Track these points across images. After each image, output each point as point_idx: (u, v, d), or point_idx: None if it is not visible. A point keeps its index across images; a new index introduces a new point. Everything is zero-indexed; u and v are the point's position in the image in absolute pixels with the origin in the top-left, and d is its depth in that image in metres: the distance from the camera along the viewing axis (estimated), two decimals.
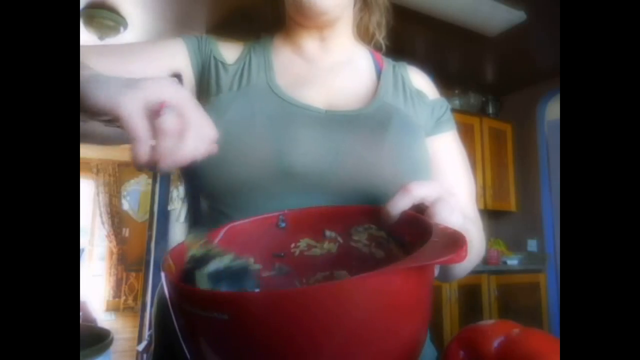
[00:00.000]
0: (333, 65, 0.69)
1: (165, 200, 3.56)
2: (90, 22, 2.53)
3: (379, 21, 0.76)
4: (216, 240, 0.45)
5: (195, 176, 0.57)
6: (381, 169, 0.55)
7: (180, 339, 0.33)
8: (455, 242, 0.31)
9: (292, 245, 0.48)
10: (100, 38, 2.61)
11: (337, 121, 0.60)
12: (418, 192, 0.43)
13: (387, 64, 0.72)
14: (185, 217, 0.64)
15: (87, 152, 5.83)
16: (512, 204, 3.75)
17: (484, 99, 3.93)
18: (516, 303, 3.27)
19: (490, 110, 3.93)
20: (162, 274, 0.34)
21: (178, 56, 0.65)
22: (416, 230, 0.38)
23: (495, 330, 0.30)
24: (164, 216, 3.55)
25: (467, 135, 3.52)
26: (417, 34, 2.89)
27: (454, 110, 3.69)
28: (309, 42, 0.69)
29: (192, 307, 0.29)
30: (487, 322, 0.32)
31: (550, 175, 3.67)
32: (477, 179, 3.56)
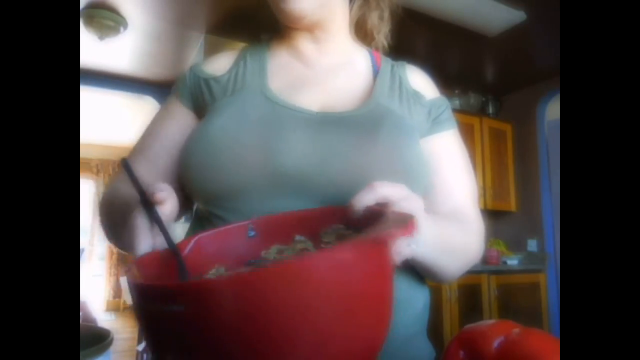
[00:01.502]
0: (330, 66, 0.69)
1: None
2: (90, 22, 2.53)
3: (378, 19, 0.76)
4: (186, 251, 0.45)
5: (189, 181, 0.58)
6: (371, 170, 0.55)
7: (145, 340, 0.33)
8: (404, 220, 0.32)
9: (263, 252, 0.48)
10: (100, 38, 2.61)
11: (328, 123, 0.59)
12: (382, 190, 0.44)
13: (386, 64, 0.72)
14: (185, 218, 0.65)
15: (87, 152, 5.83)
16: (512, 204, 3.75)
17: (484, 99, 3.93)
18: (516, 303, 3.27)
19: (490, 110, 3.93)
20: (126, 279, 0.33)
21: (179, 118, 0.69)
22: (376, 222, 0.38)
23: (495, 331, 0.30)
24: None
25: (467, 135, 3.52)
26: (417, 34, 2.88)
27: (454, 110, 3.69)
28: (304, 44, 0.69)
29: (149, 304, 0.29)
30: (487, 322, 0.32)
31: (550, 175, 3.67)
32: (477, 179, 3.56)
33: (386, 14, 0.77)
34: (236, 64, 0.69)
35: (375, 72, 0.70)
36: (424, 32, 2.84)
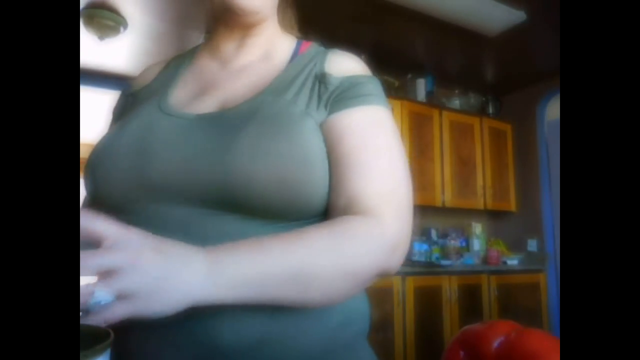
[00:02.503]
0: (244, 66, 0.66)
1: None
2: (90, 22, 2.53)
3: (284, 6, 0.73)
4: None
5: (88, 197, 0.61)
6: (234, 169, 0.51)
7: None
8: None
9: None
10: (100, 38, 2.61)
11: (201, 125, 0.57)
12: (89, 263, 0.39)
13: (308, 52, 0.66)
14: None
15: (87, 152, 5.81)
16: (512, 204, 3.75)
17: (484, 99, 3.93)
18: (516, 303, 3.27)
19: (490, 110, 3.93)
20: None
21: None
22: None
23: (495, 331, 0.29)
24: None
25: (467, 135, 3.52)
26: (417, 34, 2.89)
27: (454, 110, 3.66)
28: (227, 44, 0.67)
29: None
30: (487, 323, 0.32)
31: (550, 175, 3.67)
32: (477, 179, 3.56)
33: (294, 9, 0.75)
34: (158, 75, 0.70)
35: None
36: (424, 32, 2.84)
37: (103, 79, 3.44)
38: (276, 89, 0.60)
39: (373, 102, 0.60)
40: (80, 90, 2.77)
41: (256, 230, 0.52)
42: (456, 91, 3.77)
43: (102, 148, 0.60)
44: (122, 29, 2.63)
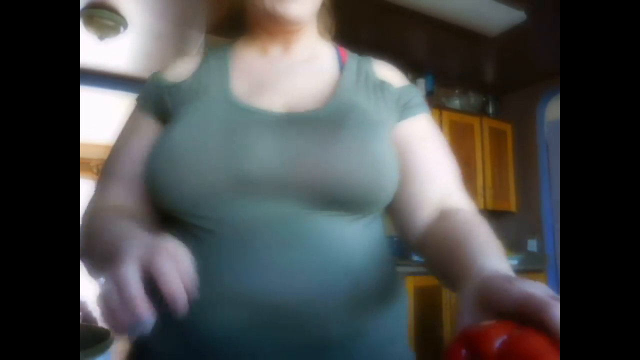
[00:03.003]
0: (294, 65, 0.68)
1: None
2: (90, 22, 2.53)
3: (326, 14, 0.75)
4: None
5: (153, 192, 0.58)
6: (337, 169, 0.54)
7: None
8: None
9: None
10: (100, 38, 2.61)
11: (292, 123, 0.59)
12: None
13: (351, 58, 0.71)
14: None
15: (87, 152, 5.82)
16: (512, 204, 3.75)
17: (484, 99, 3.93)
18: None
19: (490, 110, 3.92)
20: None
21: (145, 132, 0.67)
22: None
23: (498, 330, 0.29)
24: None
25: (467, 135, 3.52)
26: (417, 34, 2.88)
27: (454, 110, 3.67)
28: (273, 46, 0.69)
29: None
30: (490, 322, 0.32)
31: (550, 175, 3.67)
32: (477, 179, 3.56)
33: (332, 14, 0.77)
34: (199, 69, 0.68)
35: (341, 67, 0.69)
36: (424, 32, 2.84)
37: (103, 79, 3.44)
38: (345, 94, 0.64)
39: (426, 110, 0.70)
40: (80, 90, 2.77)
41: (343, 225, 0.57)
42: (456, 91, 3.77)
43: (180, 140, 0.56)
44: (122, 29, 2.63)
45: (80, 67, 3.26)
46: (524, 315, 0.31)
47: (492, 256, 0.45)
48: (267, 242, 0.53)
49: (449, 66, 3.43)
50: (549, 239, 3.59)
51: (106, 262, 0.44)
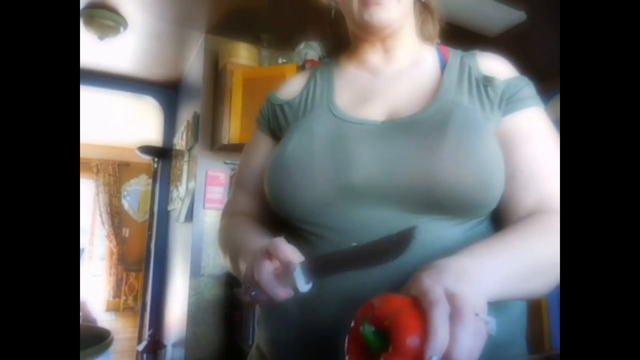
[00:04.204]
0: (397, 72, 0.70)
1: (165, 200, 3.55)
2: (90, 22, 2.53)
3: (433, 25, 0.77)
4: None
5: (272, 204, 0.65)
6: (441, 173, 0.54)
7: None
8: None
9: None
10: (100, 38, 2.61)
11: (393, 130, 0.60)
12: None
13: (454, 56, 0.70)
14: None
15: (87, 152, 5.82)
16: None
17: None
18: None
19: None
20: None
21: (263, 147, 0.75)
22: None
23: (394, 302, 0.40)
24: (164, 216, 3.55)
25: None
26: None
27: None
28: (373, 55, 0.71)
29: None
30: (394, 295, 0.42)
31: None
32: None
33: (437, 21, 0.78)
34: (307, 85, 0.74)
35: (443, 67, 0.68)
36: None
37: (103, 79, 3.44)
38: (447, 94, 0.63)
39: (537, 103, 0.65)
40: (80, 90, 2.77)
41: (448, 230, 0.56)
42: None
43: (291, 154, 0.62)
44: (122, 29, 2.63)
45: (80, 67, 3.26)
46: (420, 305, 0.38)
47: (472, 254, 0.47)
48: None
49: None
50: None
51: (234, 261, 0.62)
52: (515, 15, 2.61)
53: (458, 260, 0.45)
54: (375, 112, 0.64)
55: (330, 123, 0.64)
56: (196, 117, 2.75)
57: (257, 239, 0.60)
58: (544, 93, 4.07)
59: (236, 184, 0.79)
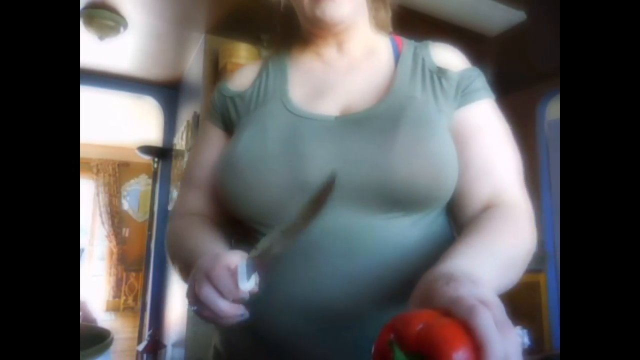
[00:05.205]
0: (350, 65, 0.68)
1: (165, 200, 3.56)
2: (90, 22, 2.53)
3: (385, 14, 0.75)
4: None
5: (224, 202, 0.62)
6: (394, 169, 0.53)
7: None
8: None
9: None
10: (100, 38, 2.61)
11: (348, 126, 0.59)
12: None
13: (408, 47, 0.69)
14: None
15: (87, 152, 5.82)
16: None
17: None
18: (516, 302, 3.25)
19: None
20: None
21: (214, 142, 0.71)
22: None
23: (421, 317, 0.34)
24: (164, 216, 3.55)
25: None
26: (417, 34, 2.88)
27: None
28: (326, 49, 0.69)
29: None
30: (416, 310, 0.37)
31: (550, 175, 3.66)
32: None
33: (389, 7, 0.76)
34: (259, 76, 0.70)
35: (397, 59, 0.67)
36: (424, 32, 2.83)
37: (103, 79, 3.44)
38: (401, 88, 0.62)
39: (489, 95, 0.65)
40: (80, 90, 2.77)
41: (406, 229, 0.56)
42: None
43: (243, 153, 0.59)
44: (122, 29, 2.63)
45: (81, 67, 3.26)
46: (454, 316, 0.34)
47: (463, 256, 0.46)
48: (329, 251, 0.54)
49: None
50: (549, 238, 3.59)
51: (183, 271, 0.58)
52: (515, 15, 2.61)
53: (456, 264, 0.44)
54: (330, 106, 0.62)
55: (283, 119, 0.62)
56: (196, 117, 2.75)
57: (209, 247, 0.56)
58: (544, 93, 4.06)
59: (186, 181, 0.73)
